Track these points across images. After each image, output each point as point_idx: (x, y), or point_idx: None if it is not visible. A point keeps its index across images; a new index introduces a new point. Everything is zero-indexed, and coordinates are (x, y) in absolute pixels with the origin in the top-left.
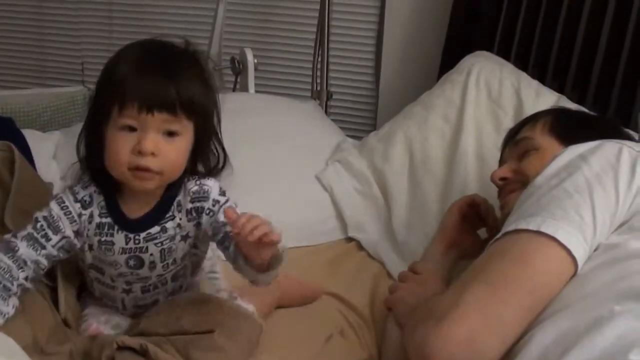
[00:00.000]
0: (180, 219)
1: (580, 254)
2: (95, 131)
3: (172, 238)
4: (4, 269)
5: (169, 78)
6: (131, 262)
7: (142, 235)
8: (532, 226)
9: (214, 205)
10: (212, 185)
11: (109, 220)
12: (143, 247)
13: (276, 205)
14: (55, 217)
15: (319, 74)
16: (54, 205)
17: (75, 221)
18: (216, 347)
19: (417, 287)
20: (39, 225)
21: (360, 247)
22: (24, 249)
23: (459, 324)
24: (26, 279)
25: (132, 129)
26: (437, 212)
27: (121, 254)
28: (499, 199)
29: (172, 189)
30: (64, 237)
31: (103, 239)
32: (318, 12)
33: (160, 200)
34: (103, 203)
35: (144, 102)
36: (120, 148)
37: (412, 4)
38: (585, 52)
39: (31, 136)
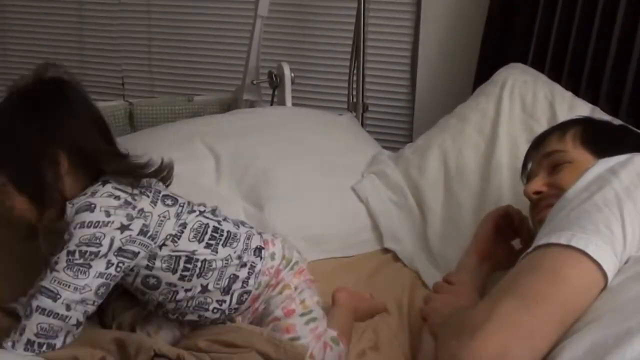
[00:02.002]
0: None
1: (611, 267)
2: None
3: None
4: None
5: None
6: None
7: None
8: (563, 240)
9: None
10: (69, 209)
11: None
12: None
13: (313, 216)
14: None
15: (354, 86)
16: None
17: None
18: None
19: (451, 298)
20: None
21: (395, 257)
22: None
23: (491, 338)
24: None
25: None
26: (471, 224)
27: None
28: (531, 212)
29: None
30: None
31: None
32: (354, 25)
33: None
34: None
35: None
36: None
37: (447, 17)
38: (618, 63)
39: None
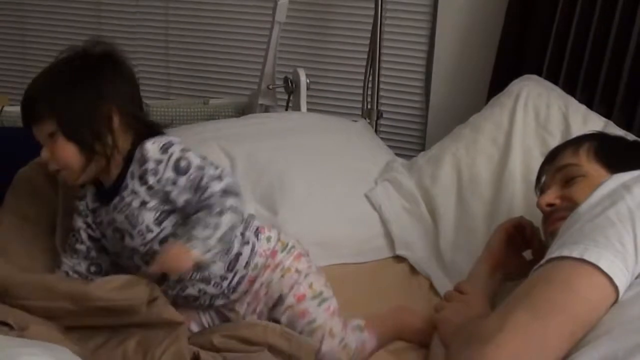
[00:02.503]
0: (134, 185)
1: (622, 281)
2: None
3: (129, 205)
4: None
5: (27, 93)
6: (117, 235)
7: (110, 206)
8: (576, 254)
9: (158, 164)
10: (149, 146)
11: (97, 203)
12: (113, 217)
13: (326, 222)
14: (74, 218)
15: (369, 93)
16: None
17: (81, 214)
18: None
19: (462, 307)
20: (72, 233)
21: (407, 265)
22: (65, 260)
23: (502, 348)
24: None
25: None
26: (483, 233)
27: (107, 227)
28: (543, 224)
29: (128, 160)
30: (78, 229)
31: (98, 219)
32: (370, 33)
33: (119, 172)
34: (94, 191)
35: (24, 120)
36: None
37: (462, 27)
38: (632, 78)
39: None
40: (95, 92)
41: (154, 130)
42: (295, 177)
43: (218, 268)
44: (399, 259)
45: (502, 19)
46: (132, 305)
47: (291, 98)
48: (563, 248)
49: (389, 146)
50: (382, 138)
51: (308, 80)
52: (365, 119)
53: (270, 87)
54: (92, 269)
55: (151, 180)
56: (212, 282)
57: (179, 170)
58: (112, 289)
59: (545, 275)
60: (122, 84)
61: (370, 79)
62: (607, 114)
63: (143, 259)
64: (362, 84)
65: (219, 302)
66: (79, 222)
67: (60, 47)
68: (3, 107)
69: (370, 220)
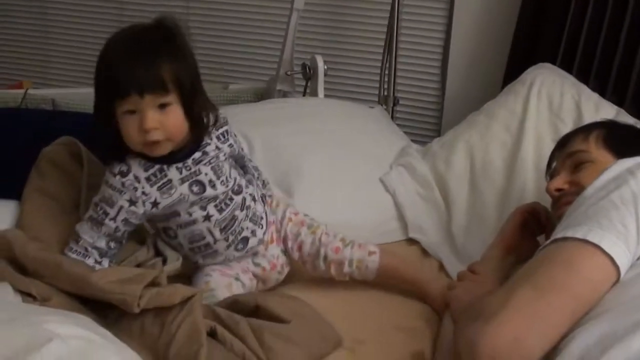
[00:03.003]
0: (217, 143)
1: (624, 262)
2: (109, 117)
3: (216, 157)
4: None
5: (148, 61)
6: (194, 188)
7: (189, 161)
8: (579, 235)
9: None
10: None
11: (156, 167)
12: (196, 170)
13: (341, 205)
14: (107, 195)
15: (386, 80)
16: (103, 187)
17: (122, 191)
18: (287, 338)
19: (474, 286)
20: (98, 207)
21: (419, 247)
22: (85, 234)
23: (505, 325)
24: (94, 263)
25: (132, 111)
26: (495, 219)
27: (182, 184)
28: (552, 208)
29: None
30: (120, 209)
31: (160, 183)
32: (387, 20)
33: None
34: (143, 160)
35: (135, 88)
36: (130, 130)
37: (479, 15)
38: None
39: None
40: (196, 66)
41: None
42: (311, 161)
43: (260, 207)
44: (412, 241)
45: (517, 8)
46: (125, 300)
47: (309, 84)
48: (567, 229)
49: (405, 133)
50: (398, 124)
51: (325, 67)
52: (381, 105)
53: (289, 73)
54: (112, 244)
55: (231, 139)
56: (257, 223)
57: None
58: (111, 281)
59: (549, 255)
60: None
61: (387, 65)
62: (619, 103)
63: (217, 207)
64: (379, 71)
65: (259, 247)
66: (122, 201)
67: (82, 32)
68: (27, 90)
69: (384, 204)
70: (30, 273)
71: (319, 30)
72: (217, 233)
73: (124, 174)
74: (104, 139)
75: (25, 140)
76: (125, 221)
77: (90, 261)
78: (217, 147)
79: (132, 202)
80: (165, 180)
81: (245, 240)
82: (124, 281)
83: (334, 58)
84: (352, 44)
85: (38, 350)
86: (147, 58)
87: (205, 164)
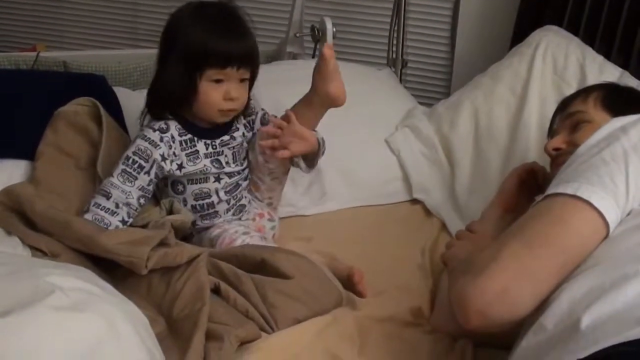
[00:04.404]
0: (243, 129)
1: (612, 217)
2: (186, 81)
3: (241, 144)
4: (98, 219)
5: (241, 38)
6: (215, 164)
7: (217, 141)
8: (570, 190)
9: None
10: (252, 102)
11: (189, 136)
12: (220, 151)
13: (347, 165)
14: (143, 148)
15: (395, 42)
16: (139, 141)
17: (158, 146)
18: (290, 294)
19: (471, 245)
20: (130, 160)
21: (423, 208)
22: (116, 190)
23: (495, 277)
24: (121, 221)
25: (219, 80)
26: (498, 179)
27: (205, 158)
28: (550, 168)
29: None
30: (154, 162)
31: (189, 151)
32: None
33: None
34: (179, 125)
35: (231, 61)
36: (214, 96)
37: None
38: None
39: (122, 94)
40: None
41: None
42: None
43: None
44: (415, 201)
45: None
46: (132, 262)
47: (318, 46)
48: (559, 186)
49: (414, 95)
50: (406, 87)
51: (334, 29)
52: (390, 67)
53: (298, 35)
54: (142, 200)
55: (255, 128)
56: (253, 195)
57: (264, 122)
58: (120, 242)
59: (540, 210)
60: None
61: (396, 28)
62: (624, 65)
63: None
64: (387, 33)
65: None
66: (156, 154)
67: (97, 29)
68: (39, 52)
69: (389, 164)
70: (39, 229)
71: None
72: (222, 194)
73: (163, 131)
74: (148, 97)
75: (38, 102)
76: (156, 176)
77: (116, 220)
78: (243, 134)
79: (164, 158)
80: (193, 150)
81: (242, 207)
82: (133, 242)
83: (343, 20)
84: (360, 6)
85: (39, 302)
86: (238, 34)
87: (229, 148)
